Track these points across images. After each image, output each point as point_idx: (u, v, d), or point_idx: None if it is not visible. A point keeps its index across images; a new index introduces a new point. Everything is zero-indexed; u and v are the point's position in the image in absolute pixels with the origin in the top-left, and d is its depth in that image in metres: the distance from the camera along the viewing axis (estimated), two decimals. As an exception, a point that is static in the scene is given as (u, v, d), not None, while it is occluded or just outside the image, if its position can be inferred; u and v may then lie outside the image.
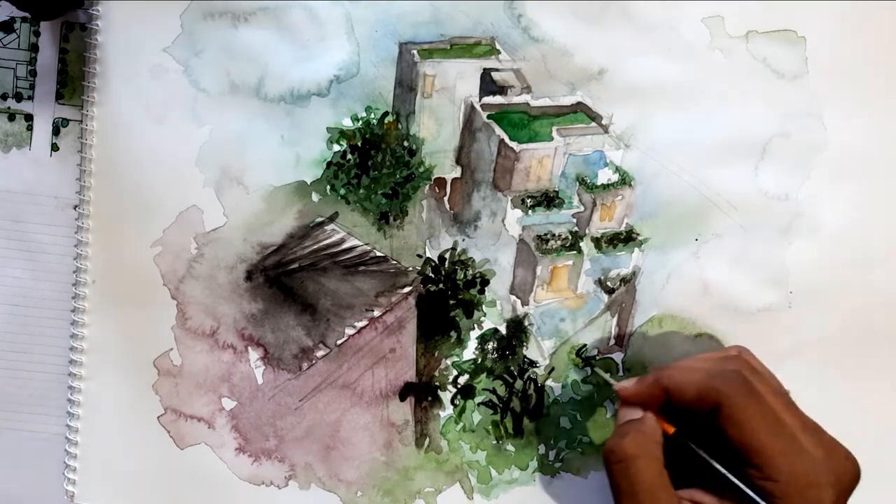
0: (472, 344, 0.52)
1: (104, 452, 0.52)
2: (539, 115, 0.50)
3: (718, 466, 0.41)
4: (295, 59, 0.49)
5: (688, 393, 0.42)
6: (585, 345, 0.52)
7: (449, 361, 0.52)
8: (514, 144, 0.49)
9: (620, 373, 0.52)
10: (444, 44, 0.49)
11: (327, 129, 0.50)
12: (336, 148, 0.50)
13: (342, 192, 0.50)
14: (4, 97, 0.51)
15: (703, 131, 0.49)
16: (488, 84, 0.49)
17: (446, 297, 0.51)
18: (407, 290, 0.51)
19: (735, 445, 0.40)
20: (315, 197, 0.50)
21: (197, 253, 0.50)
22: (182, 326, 0.51)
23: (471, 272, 0.51)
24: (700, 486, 0.42)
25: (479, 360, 0.52)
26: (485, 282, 0.51)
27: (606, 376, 0.49)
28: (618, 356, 0.52)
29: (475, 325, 0.52)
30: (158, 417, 0.52)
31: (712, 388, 0.41)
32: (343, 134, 0.50)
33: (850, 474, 0.41)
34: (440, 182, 0.51)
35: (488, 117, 0.49)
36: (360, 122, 0.49)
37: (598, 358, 0.52)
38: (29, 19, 0.50)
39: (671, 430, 0.43)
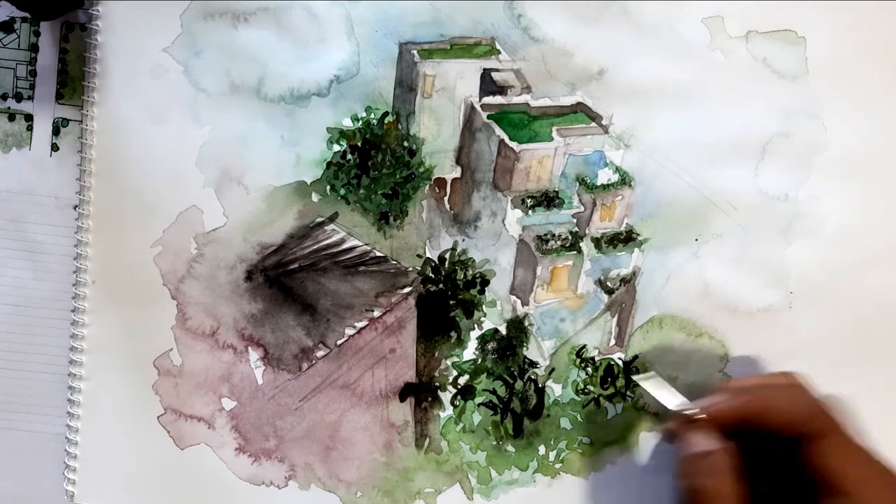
0: (472, 344, 0.52)
1: (104, 452, 0.52)
2: (539, 116, 0.50)
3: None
4: (295, 59, 0.49)
5: (781, 418, 0.41)
6: (585, 345, 0.52)
7: (449, 362, 0.52)
8: (514, 144, 0.49)
9: (621, 376, 0.52)
10: (444, 44, 0.49)
11: (327, 129, 0.50)
12: (336, 148, 0.50)
13: (342, 192, 0.50)
14: (4, 97, 0.51)
15: (703, 131, 0.49)
16: (488, 84, 0.49)
17: (446, 297, 0.51)
18: (407, 290, 0.51)
19: (822, 475, 0.40)
20: (315, 197, 0.50)
21: (197, 253, 0.50)
22: (182, 326, 0.51)
23: (471, 272, 0.51)
24: None
25: (479, 360, 0.52)
26: (485, 282, 0.51)
27: (683, 399, 0.46)
28: (618, 356, 0.52)
29: (475, 326, 0.52)
30: (158, 417, 0.52)
31: (820, 415, 0.41)
32: (343, 134, 0.50)
33: None
34: (440, 182, 0.51)
35: (488, 117, 0.49)
36: (360, 123, 0.49)
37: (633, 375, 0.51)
38: (29, 19, 0.50)
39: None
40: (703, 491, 0.41)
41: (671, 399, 0.47)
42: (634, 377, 0.50)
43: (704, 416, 0.43)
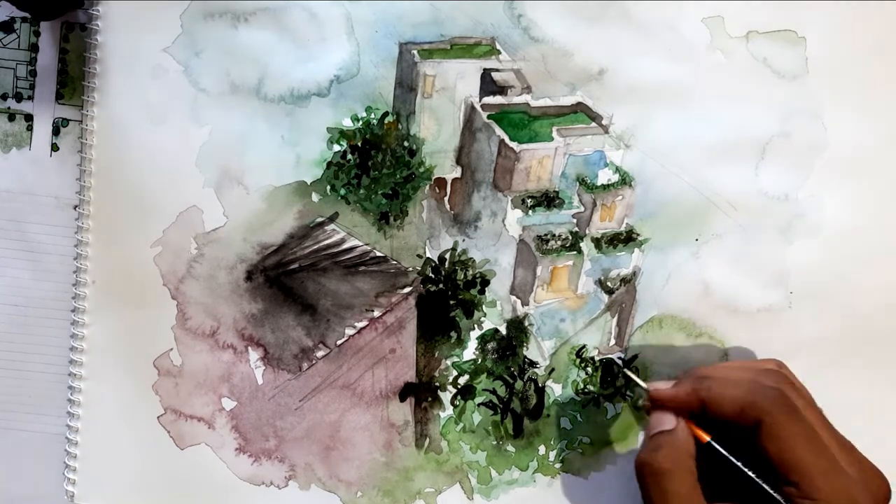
0: (473, 344, 0.52)
1: (104, 452, 0.52)
2: (539, 116, 0.50)
3: (754, 477, 0.41)
4: (295, 59, 0.49)
5: (727, 407, 0.42)
6: (585, 345, 0.52)
7: (449, 362, 0.52)
8: (514, 144, 0.49)
9: (620, 377, 0.52)
10: (444, 44, 0.49)
11: (327, 129, 0.50)
12: (336, 148, 0.50)
13: (342, 192, 0.50)
14: (4, 97, 0.51)
15: (703, 131, 0.49)
16: (488, 84, 0.49)
17: (446, 297, 0.51)
18: (407, 290, 0.51)
19: (774, 462, 0.40)
20: (315, 197, 0.50)
21: (197, 253, 0.50)
22: (182, 326, 0.51)
23: (471, 272, 0.51)
24: (731, 498, 0.42)
25: (479, 360, 0.52)
26: (485, 282, 0.51)
27: (636, 378, 0.48)
28: (618, 356, 0.52)
29: (475, 326, 0.52)
30: (158, 417, 0.52)
31: (753, 403, 0.41)
32: (343, 134, 0.50)
33: (883, 494, 0.41)
34: (440, 182, 0.51)
35: (488, 117, 0.49)
36: (361, 123, 0.49)
37: (607, 360, 0.51)
38: (29, 19, 0.50)
39: (705, 438, 0.43)
40: (652, 464, 0.42)
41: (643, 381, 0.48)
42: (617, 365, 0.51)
43: (650, 394, 0.44)
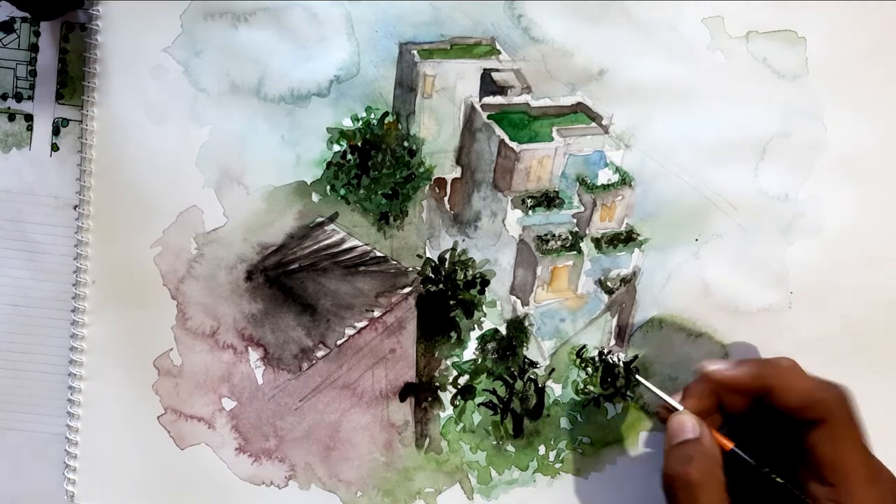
0: (473, 344, 0.52)
1: (104, 452, 0.52)
2: (539, 116, 0.50)
3: (781, 481, 0.41)
4: (295, 59, 0.49)
5: (794, 398, 0.41)
6: (585, 345, 0.52)
7: (449, 362, 0.52)
8: (514, 145, 0.49)
9: (620, 377, 0.52)
10: (444, 44, 0.49)
11: (327, 129, 0.50)
12: (336, 148, 0.50)
13: (342, 192, 0.50)
14: (4, 97, 0.51)
15: (703, 131, 0.49)
16: (488, 84, 0.49)
17: (446, 297, 0.51)
18: (407, 290, 0.51)
19: (822, 462, 0.40)
20: (315, 197, 0.50)
21: (197, 253, 0.50)
22: (182, 326, 0.51)
23: (471, 272, 0.51)
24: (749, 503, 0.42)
25: (479, 360, 0.52)
26: (485, 282, 0.51)
27: (654, 389, 0.46)
28: (618, 356, 0.52)
29: (475, 326, 0.52)
30: (158, 417, 0.52)
31: (822, 401, 0.41)
32: (343, 134, 0.50)
33: None
34: (440, 182, 0.51)
35: (488, 117, 0.49)
36: (361, 123, 0.49)
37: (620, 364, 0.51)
38: (29, 19, 0.50)
39: (729, 446, 0.42)
40: (684, 477, 0.40)
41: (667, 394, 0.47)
42: (638, 377, 0.50)
43: (708, 374, 0.43)
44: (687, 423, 0.42)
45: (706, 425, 0.42)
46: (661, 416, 0.45)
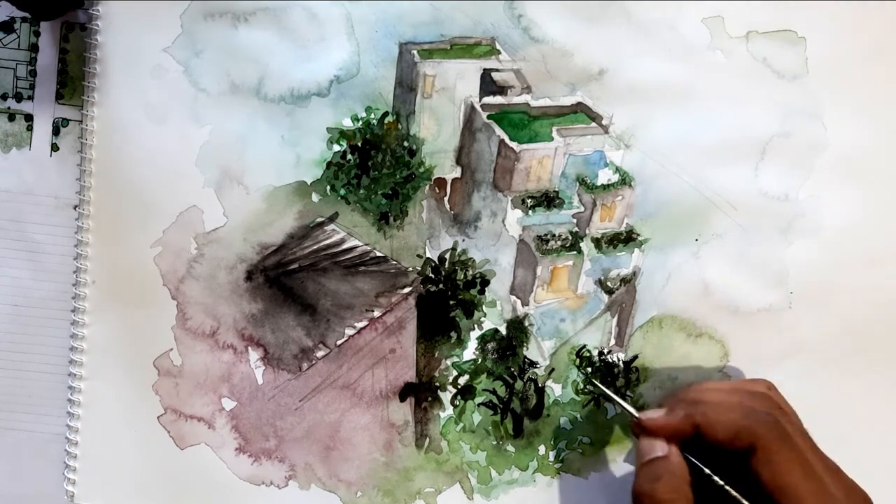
0: (472, 344, 0.52)
1: (104, 452, 0.52)
2: (539, 116, 0.50)
3: (741, 499, 0.42)
4: (295, 59, 0.49)
5: (721, 433, 0.42)
6: (585, 345, 0.52)
7: (449, 362, 0.52)
8: (514, 144, 0.49)
9: (620, 377, 0.52)
10: (444, 44, 0.49)
11: (327, 129, 0.50)
12: (336, 148, 0.50)
13: (342, 192, 0.50)
14: (4, 97, 0.51)
15: (703, 131, 0.49)
16: (488, 84, 0.49)
17: (446, 297, 0.51)
18: (407, 290, 0.51)
19: (767, 487, 0.40)
20: (315, 197, 0.50)
21: (197, 253, 0.50)
22: (182, 326, 0.51)
23: (471, 272, 0.51)
24: None
25: (479, 360, 0.52)
26: (485, 282, 0.51)
27: (628, 407, 0.47)
28: (618, 356, 0.52)
29: (475, 326, 0.52)
30: (158, 417, 0.52)
31: (747, 429, 0.41)
32: (343, 134, 0.50)
33: None
34: (440, 182, 0.51)
35: (488, 117, 0.49)
36: (361, 123, 0.49)
37: (596, 372, 0.51)
38: (29, 19, 0.50)
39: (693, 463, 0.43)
40: (652, 495, 0.42)
41: (627, 406, 0.48)
42: (596, 382, 0.51)
43: (644, 424, 0.44)
44: (655, 442, 0.43)
45: (675, 444, 0.43)
46: (634, 431, 0.45)
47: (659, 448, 0.43)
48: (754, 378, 0.48)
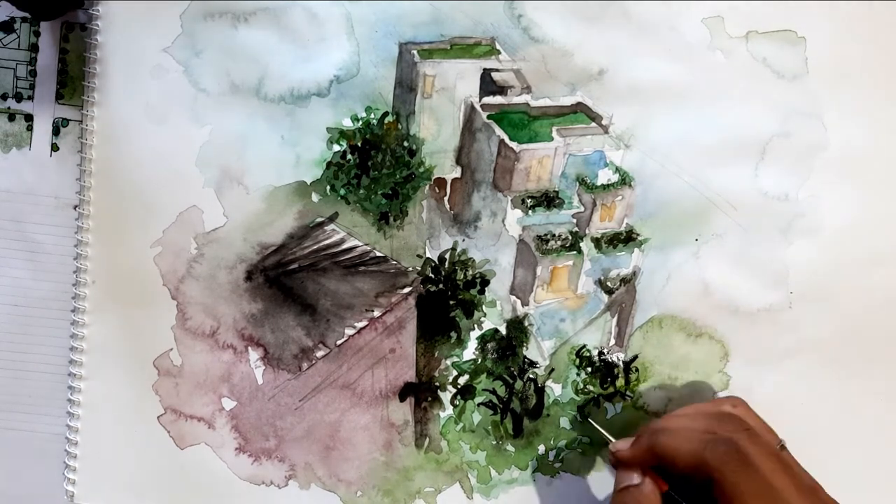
0: (472, 344, 0.52)
1: (104, 452, 0.52)
2: (539, 116, 0.50)
3: None
4: (295, 59, 0.49)
5: (680, 463, 0.42)
6: (585, 345, 0.52)
7: (449, 362, 0.52)
8: (514, 144, 0.49)
9: (621, 376, 0.52)
10: (444, 44, 0.49)
11: (327, 129, 0.50)
12: (336, 148, 0.50)
13: (342, 192, 0.50)
14: (4, 97, 0.51)
15: (703, 131, 0.49)
16: (488, 84, 0.49)
17: (446, 297, 0.51)
18: (407, 290, 0.51)
19: None
20: (315, 197, 0.50)
21: (197, 253, 0.50)
22: (182, 326, 0.51)
23: (471, 272, 0.51)
24: None
25: (479, 360, 0.52)
26: (485, 282, 0.51)
27: (604, 433, 0.49)
28: (618, 356, 0.52)
29: (475, 326, 0.52)
30: (158, 417, 0.52)
31: (704, 460, 0.41)
32: (343, 134, 0.50)
33: None
34: (440, 182, 0.51)
35: (488, 117, 0.49)
36: (360, 123, 0.49)
37: (589, 406, 0.52)
38: (29, 19, 0.50)
39: (664, 487, 0.44)
40: None
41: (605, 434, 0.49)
42: (589, 417, 0.51)
43: (621, 456, 0.45)
44: (630, 472, 0.44)
45: (649, 472, 0.44)
46: (611, 461, 0.46)
47: (633, 477, 0.44)
48: (724, 397, 0.48)
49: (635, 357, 0.51)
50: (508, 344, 0.52)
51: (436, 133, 0.50)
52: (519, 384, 0.52)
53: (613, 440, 0.47)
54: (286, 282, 0.51)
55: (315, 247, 0.51)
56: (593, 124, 0.50)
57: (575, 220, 0.51)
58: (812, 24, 0.49)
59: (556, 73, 0.49)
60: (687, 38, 0.49)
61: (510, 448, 0.52)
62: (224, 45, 0.49)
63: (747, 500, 0.40)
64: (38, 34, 0.50)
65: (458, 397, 0.52)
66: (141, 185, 0.50)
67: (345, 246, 0.51)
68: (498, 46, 0.49)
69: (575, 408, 0.52)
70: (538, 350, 0.52)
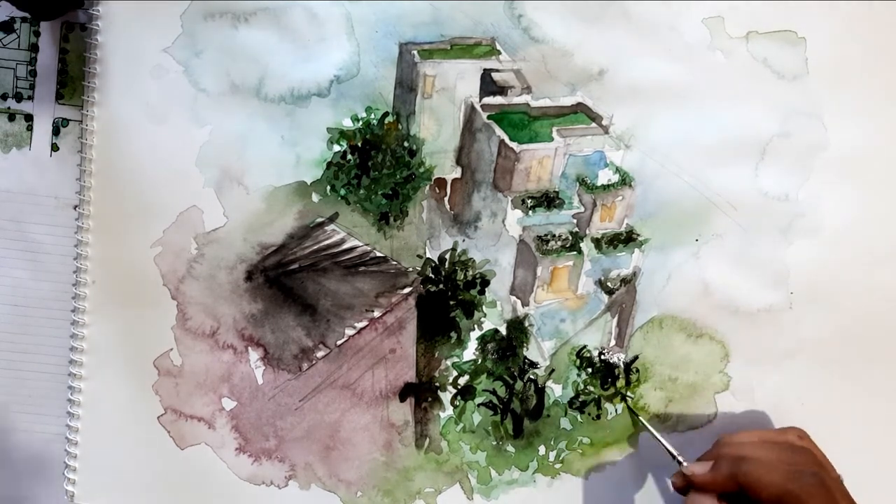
0: (473, 345, 0.52)
1: (104, 452, 0.52)
2: (539, 116, 0.50)
3: None
4: (295, 59, 0.49)
5: (764, 493, 0.42)
6: (586, 345, 0.52)
7: (449, 362, 0.52)
8: (514, 145, 0.49)
9: (621, 377, 0.52)
10: (444, 44, 0.49)
11: (327, 129, 0.50)
12: (336, 148, 0.50)
13: (342, 192, 0.50)
14: (4, 97, 0.51)
15: (703, 131, 0.49)
16: (488, 84, 0.49)
17: (446, 297, 0.51)
18: (407, 290, 0.51)
19: None
20: (315, 197, 0.50)
21: (197, 253, 0.50)
22: (182, 327, 0.51)
23: (471, 273, 0.51)
24: None
25: (479, 360, 0.52)
26: (485, 282, 0.51)
27: (677, 455, 0.48)
28: (618, 356, 0.52)
29: (475, 326, 0.51)
30: (158, 417, 0.52)
31: (792, 493, 0.41)
32: (343, 134, 0.50)
33: None
34: (440, 182, 0.51)
35: (488, 118, 0.49)
36: (361, 123, 0.49)
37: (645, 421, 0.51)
38: (29, 19, 0.50)
39: None
40: None
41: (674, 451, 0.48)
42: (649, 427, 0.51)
43: (688, 478, 0.45)
44: (705, 498, 0.44)
45: (721, 500, 0.43)
46: (675, 483, 0.46)
47: (705, 501, 0.43)
48: (785, 427, 0.47)
49: (636, 357, 0.51)
50: (509, 344, 0.52)
51: (436, 133, 0.50)
52: (519, 385, 0.52)
53: (684, 462, 0.46)
54: (286, 282, 0.51)
55: (315, 247, 0.51)
56: (593, 124, 0.50)
57: (575, 221, 0.51)
58: (812, 24, 0.49)
59: (556, 74, 0.49)
60: (687, 38, 0.49)
61: (510, 449, 0.52)
62: (224, 45, 0.49)
63: None
64: (38, 34, 0.50)
65: (459, 398, 0.52)
66: (141, 185, 0.50)
67: (345, 246, 0.51)
68: (498, 46, 0.49)
69: (633, 417, 0.51)
70: (538, 350, 0.52)
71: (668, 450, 0.48)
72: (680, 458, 0.47)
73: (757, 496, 0.42)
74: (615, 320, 0.51)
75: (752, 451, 0.44)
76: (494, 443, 0.52)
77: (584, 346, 0.52)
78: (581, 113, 0.50)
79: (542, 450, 0.52)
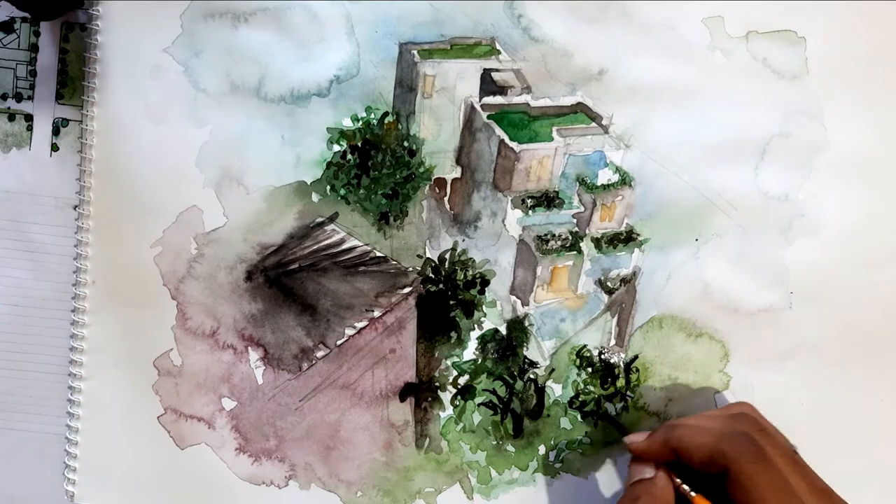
0: (473, 344, 0.52)
1: (104, 452, 0.52)
2: (539, 116, 0.50)
3: None
4: (295, 59, 0.49)
5: (696, 455, 0.42)
6: (586, 345, 0.52)
7: (449, 362, 0.52)
8: (514, 145, 0.49)
9: (621, 377, 0.52)
10: (444, 44, 0.49)
11: (327, 129, 0.50)
12: (336, 148, 0.50)
13: (342, 192, 0.50)
14: (4, 97, 0.51)
15: (703, 131, 0.49)
16: (488, 84, 0.49)
17: (446, 297, 0.51)
18: (407, 290, 0.51)
19: None
20: (315, 197, 0.50)
21: (197, 253, 0.50)
22: (182, 326, 0.51)
23: (471, 272, 0.51)
24: None
25: (479, 360, 0.52)
26: (485, 282, 0.51)
27: (619, 425, 0.49)
28: (618, 356, 0.52)
29: (475, 326, 0.52)
30: (158, 417, 0.52)
31: (721, 451, 0.41)
32: (343, 134, 0.50)
33: None
34: (440, 182, 0.51)
35: (488, 117, 0.49)
36: (361, 123, 0.50)
37: (603, 409, 0.52)
38: (29, 19, 0.50)
39: (677, 482, 0.44)
40: None
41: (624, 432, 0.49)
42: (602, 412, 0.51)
43: (636, 448, 0.45)
44: (643, 466, 0.44)
45: (663, 468, 0.44)
46: (631, 450, 0.46)
47: (646, 471, 0.44)
48: (734, 402, 0.48)
49: (635, 357, 0.51)
50: (509, 344, 0.52)
51: (436, 133, 0.50)
52: (519, 384, 0.52)
53: (629, 433, 0.47)
54: (286, 282, 0.51)
55: (315, 247, 0.51)
56: (593, 124, 0.50)
57: (575, 220, 0.51)
58: (812, 24, 0.49)
59: (556, 73, 0.49)
60: (687, 38, 0.49)
61: (510, 448, 0.52)
62: (224, 45, 0.49)
63: (762, 492, 0.40)
64: (38, 34, 0.50)
65: (459, 397, 0.52)
66: (141, 185, 0.50)
67: (345, 246, 0.51)
68: (498, 46, 0.49)
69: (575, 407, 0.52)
70: (538, 350, 0.52)
71: (616, 424, 0.49)
72: (626, 430, 0.48)
73: (689, 460, 0.42)
74: (615, 320, 0.52)
75: (690, 420, 0.44)
76: (494, 442, 0.52)
77: (584, 346, 0.52)
78: (581, 113, 0.50)
79: (542, 449, 0.52)
